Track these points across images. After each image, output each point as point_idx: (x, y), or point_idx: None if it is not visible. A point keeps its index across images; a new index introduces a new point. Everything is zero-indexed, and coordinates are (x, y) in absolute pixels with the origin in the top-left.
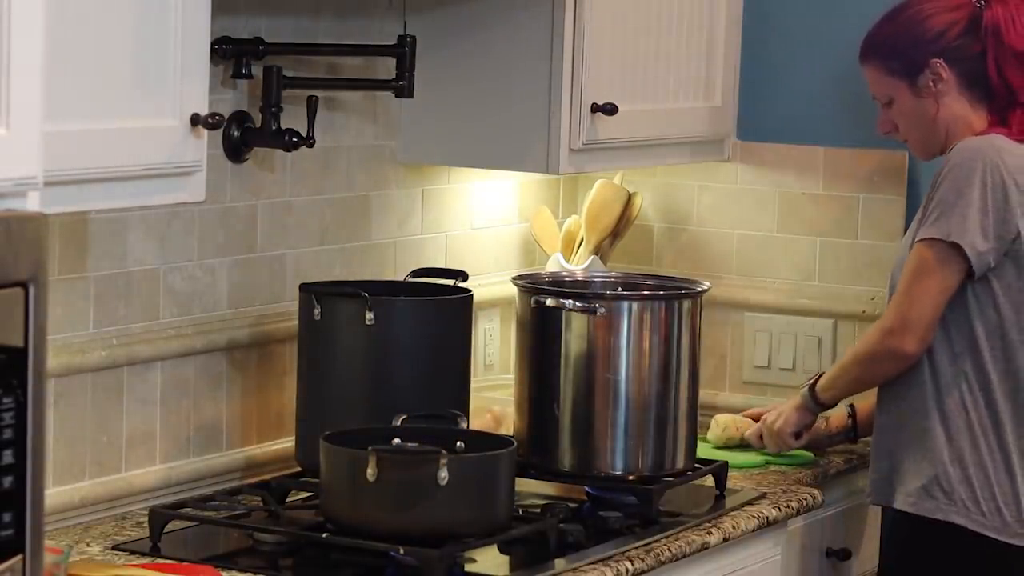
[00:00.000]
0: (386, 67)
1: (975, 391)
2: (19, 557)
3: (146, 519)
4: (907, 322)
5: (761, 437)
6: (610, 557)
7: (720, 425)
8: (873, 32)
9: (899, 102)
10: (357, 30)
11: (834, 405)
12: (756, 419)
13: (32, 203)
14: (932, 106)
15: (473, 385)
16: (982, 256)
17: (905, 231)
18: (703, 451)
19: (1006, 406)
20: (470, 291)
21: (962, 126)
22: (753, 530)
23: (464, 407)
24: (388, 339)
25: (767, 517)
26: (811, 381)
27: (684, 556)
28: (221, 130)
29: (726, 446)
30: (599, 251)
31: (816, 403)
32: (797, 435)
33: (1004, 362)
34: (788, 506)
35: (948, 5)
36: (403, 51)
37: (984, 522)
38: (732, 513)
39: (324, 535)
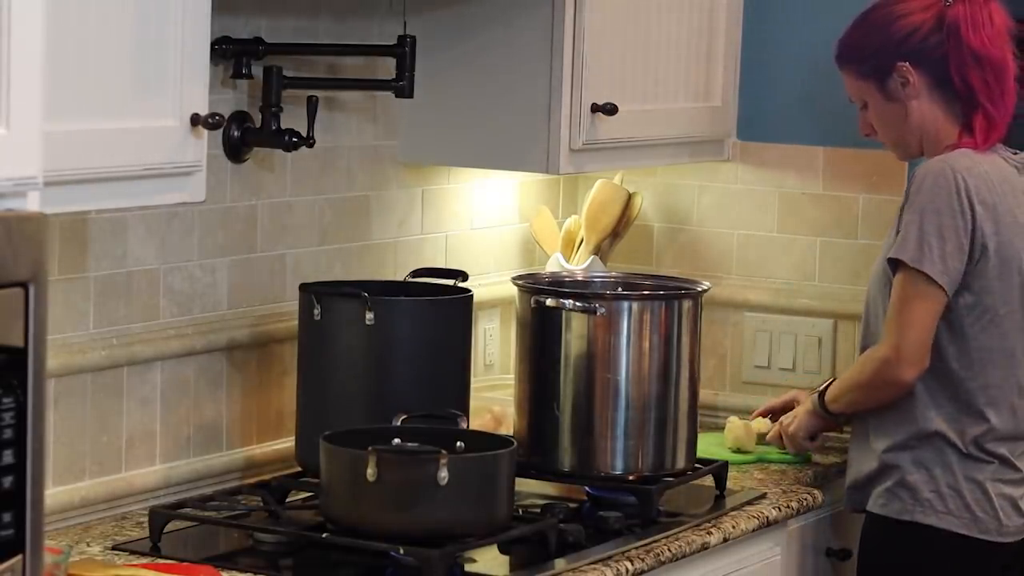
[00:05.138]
0: (386, 67)
1: (937, 396)
2: (19, 557)
3: (146, 519)
4: (902, 351)
5: (781, 438)
6: (610, 557)
7: (731, 432)
8: (844, 35)
9: (872, 105)
10: (357, 30)
11: (844, 414)
12: (766, 415)
13: (32, 203)
14: (902, 109)
15: (473, 385)
16: (952, 280)
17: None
18: (711, 451)
19: (967, 408)
20: (470, 291)
21: (935, 129)
22: (753, 530)
23: (464, 407)
24: (388, 339)
25: (767, 517)
26: (822, 387)
27: (684, 556)
28: (221, 130)
29: (738, 450)
30: (599, 251)
31: (826, 411)
32: (811, 438)
33: (967, 369)
34: (788, 506)
35: (918, 6)
36: (403, 51)
37: (953, 520)
38: (732, 513)
39: (324, 535)
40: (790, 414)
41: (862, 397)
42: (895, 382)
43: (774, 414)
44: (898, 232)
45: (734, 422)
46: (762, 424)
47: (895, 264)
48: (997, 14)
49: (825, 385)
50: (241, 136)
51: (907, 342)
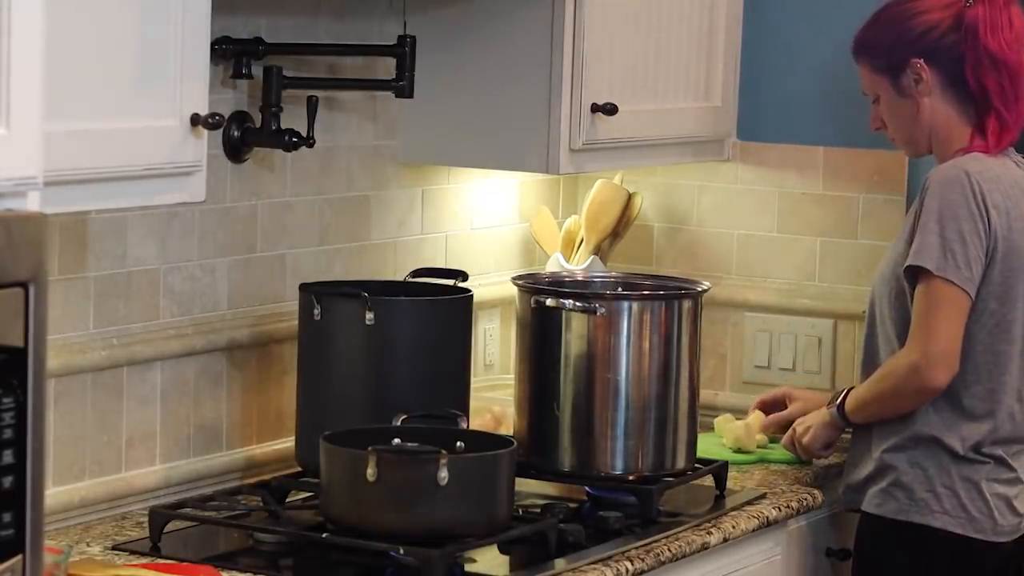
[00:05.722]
0: (386, 67)
1: (939, 400)
2: (19, 557)
3: (146, 519)
4: (931, 356)
5: (794, 444)
6: (610, 557)
7: (731, 432)
8: (862, 29)
9: (884, 100)
10: (357, 30)
11: (864, 424)
12: (764, 408)
13: (32, 203)
14: (914, 106)
15: (473, 385)
16: (976, 284)
17: None
18: (711, 451)
19: (968, 413)
20: (470, 291)
21: (945, 128)
22: (753, 530)
23: (464, 407)
24: (388, 339)
25: (767, 517)
26: (839, 401)
27: (684, 556)
28: (221, 130)
29: (738, 450)
30: (599, 251)
31: (846, 422)
32: (826, 447)
33: (971, 374)
34: (788, 506)
35: (937, 4)
36: (403, 51)
37: (948, 520)
38: (732, 513)
39: (324, 535)
40: (802, 422)
41: (887, 407)
42: (925, 388)
43: (767, 408)
44: (911, 237)
45: (732, 420)
46: (757, 420)
47: (916, 271)
48: (1017, 18)
49: (841, 397)
50: (241, 136)
51: (935, 347)
